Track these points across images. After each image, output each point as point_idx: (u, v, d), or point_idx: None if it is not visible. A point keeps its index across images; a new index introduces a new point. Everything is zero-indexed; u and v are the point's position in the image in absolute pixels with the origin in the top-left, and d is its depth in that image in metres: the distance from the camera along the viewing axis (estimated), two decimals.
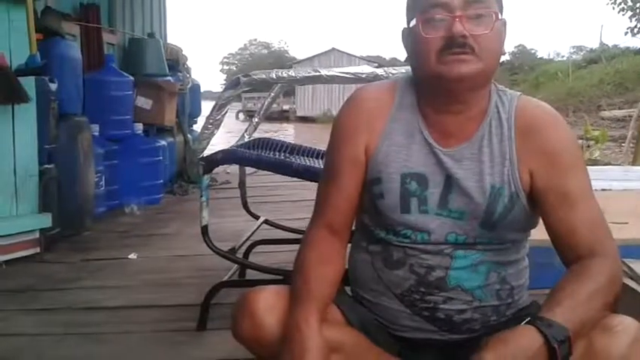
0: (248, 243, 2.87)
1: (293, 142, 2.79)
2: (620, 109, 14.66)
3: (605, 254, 1.15)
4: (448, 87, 1.18)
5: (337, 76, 2.46)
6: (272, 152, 2.57)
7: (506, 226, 1.20)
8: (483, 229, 1.19)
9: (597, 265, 1.13)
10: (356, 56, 31.37)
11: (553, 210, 1.18)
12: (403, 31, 1.25)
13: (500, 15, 1.19)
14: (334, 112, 1.42)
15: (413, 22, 1.19)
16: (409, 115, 1.26)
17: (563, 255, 1.19)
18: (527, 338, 1.01)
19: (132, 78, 5.02)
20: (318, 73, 2.47)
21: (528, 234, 1.30)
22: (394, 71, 2.34)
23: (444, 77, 1.16)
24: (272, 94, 3.05)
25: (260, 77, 2.46)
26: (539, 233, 1.26)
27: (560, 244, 1.19)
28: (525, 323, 1.04)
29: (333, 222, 1.29)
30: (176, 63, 6.37)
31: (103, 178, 4.37)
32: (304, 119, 29.92)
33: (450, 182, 1.21)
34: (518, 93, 1.28)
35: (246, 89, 2.48)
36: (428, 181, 1.21)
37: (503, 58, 1.25)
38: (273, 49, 63.61)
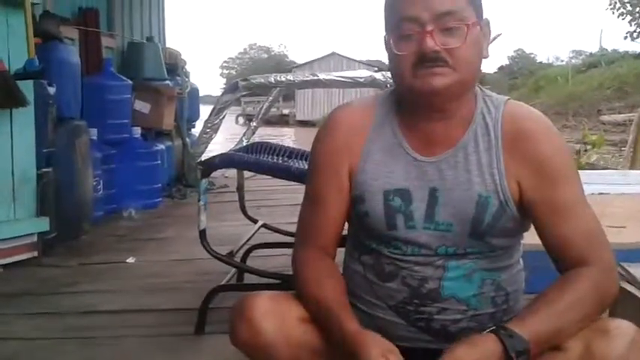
0: (246, 247, 2.86)
1: (292, 145, 2.78)
2: (620, 113, 14.65)
3: (595, 264, 1.13)
4: (425, 100, 1.17)
5: (335, 80, 2.47)
6: (270, 156, 2.57)
7: (496, 234, 1.18)
8: (472, 239, 1.18)
9: (584, 275, 1.12)
10: (356, 60, 31.24)
11: (544, 221, 1.17)
12: (384, 39, 1.22)
13: (479, 18, 1.16)
14: None
15: (387, 37, 1.19)
16: (388, 130, 1.25)
17: (555, 263, 1.19)
18: (487, 345, 1.03)
19: (130, 82, 5.01)
20: (316, 77, 2.48)
21: (521, 237, 1.29)
22: None
23: (418, 91, 1.15)
24: (270, 98, 3.05)
25: (258, 81, 2.46)
26: (534, 237, 1.25)
27: (552, 253, 1.18)
28: (489, 331, 1.06)
29: (325, 245, 1.29)
30: (175, 67, 6.38)
31: (101, 182, 4.37)
32: (304, 123, 29.82)
33: (434, 195, 1.19)
34: (506, 98, 1.25)
35: (245, 93, 2.49)
36: (412, 195, 1.20)
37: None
38: (273, 53, 63.63)
